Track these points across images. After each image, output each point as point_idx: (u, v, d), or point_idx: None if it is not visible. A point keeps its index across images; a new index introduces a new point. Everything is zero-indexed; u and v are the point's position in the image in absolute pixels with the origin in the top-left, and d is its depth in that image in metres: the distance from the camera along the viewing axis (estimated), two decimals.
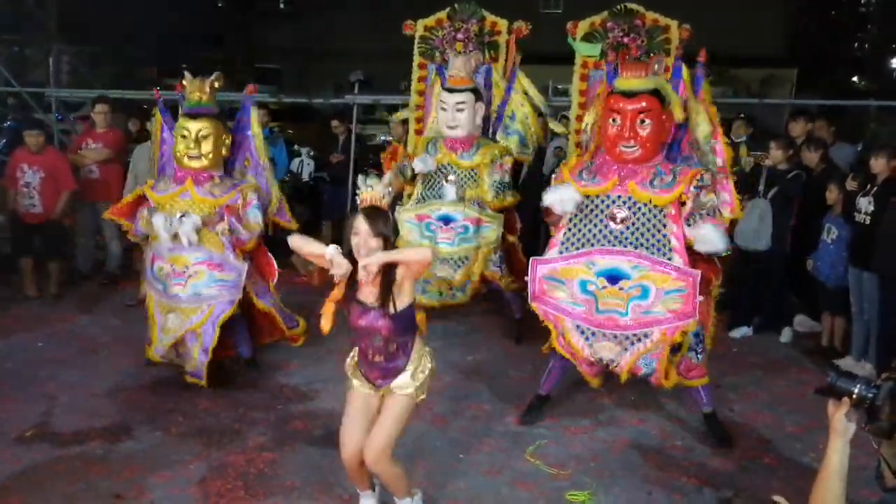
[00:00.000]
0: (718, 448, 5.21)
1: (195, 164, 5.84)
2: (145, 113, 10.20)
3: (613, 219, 5.05)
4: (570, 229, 5.21)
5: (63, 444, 5.06)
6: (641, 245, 4.98)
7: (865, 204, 6.49)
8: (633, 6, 8.17)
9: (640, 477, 4.83)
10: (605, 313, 5.03)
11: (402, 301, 3.75)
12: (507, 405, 5.84)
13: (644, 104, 4.98)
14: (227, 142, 6.02)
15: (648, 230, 4.98)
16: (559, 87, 9.98)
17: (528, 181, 7.96)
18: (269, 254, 6.41)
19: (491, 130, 7.43)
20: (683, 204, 4.93)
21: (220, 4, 27.61)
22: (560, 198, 5.07)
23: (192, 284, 5.73)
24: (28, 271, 8.21)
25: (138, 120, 10.28)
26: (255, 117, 6.36)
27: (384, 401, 3.92)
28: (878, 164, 6.48)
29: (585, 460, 5.02)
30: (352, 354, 4.02)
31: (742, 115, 9.30)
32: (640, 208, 5.00)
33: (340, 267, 3.68)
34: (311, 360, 6.48)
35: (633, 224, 5.00)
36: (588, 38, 8.29)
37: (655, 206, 4.97)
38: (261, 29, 26.45)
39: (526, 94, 7.73)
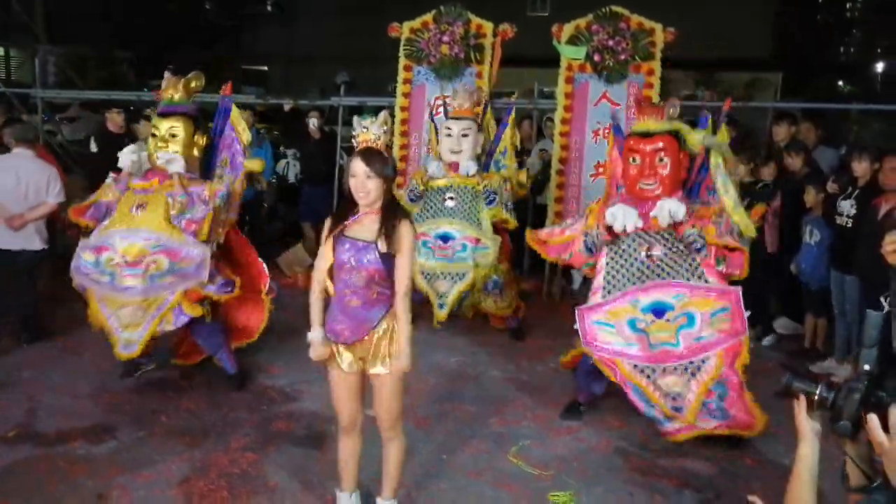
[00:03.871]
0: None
1: (164, 164, 5.77)
2: (132, 115, 10.18)
3: (646, 253, 5.17)
4: (608, 272, 5.30)
5: (46, 444, 5.04)
6: (677, 273, 5.10)
7: (847, 207, 6.53)
8: (619, 9, 8.26)
9: (622, 478, 4.86)
10: (659, 347, 5.05)
11: (398, 245, 3.67)
12: (491, 407, 5.86)
13: (661, 144, 5.19)
14: (201, 143, 5.94)
15: (679, 258, 5.12)
16: (545, 89, 10.01)
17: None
18: (261, 261, 6.35)
19: (482, 166, 7.47)
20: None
21: (207, 7, 27.60)
22: (623, 212, 5.13)
23: (151, 276, 5.52)
24: None
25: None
26: (235, 113, 6.20)
27: (373, 382, 3.86)
28: (861, 167, 6.52)
29: (568, 461, 5.04)
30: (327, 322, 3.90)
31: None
32: (668, 239, 5.15)
33: (317, 354, 3.81)
34: (294, 361, 6.46)
35: (666, 255, 5.14)
36: (573, 40, 8.41)
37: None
38: (248, 32, 26.46)
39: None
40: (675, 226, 5.12)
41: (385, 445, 4.05)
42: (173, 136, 5.76)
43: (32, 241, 6.84)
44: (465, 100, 7.36)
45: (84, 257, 5.62)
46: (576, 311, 5.34)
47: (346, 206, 3.78)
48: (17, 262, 6.84)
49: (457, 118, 7.28)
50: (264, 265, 6.37)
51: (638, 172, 5.25)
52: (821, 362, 6.81)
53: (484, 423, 5.58)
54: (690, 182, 5.48)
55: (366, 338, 3.78)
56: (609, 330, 5.18)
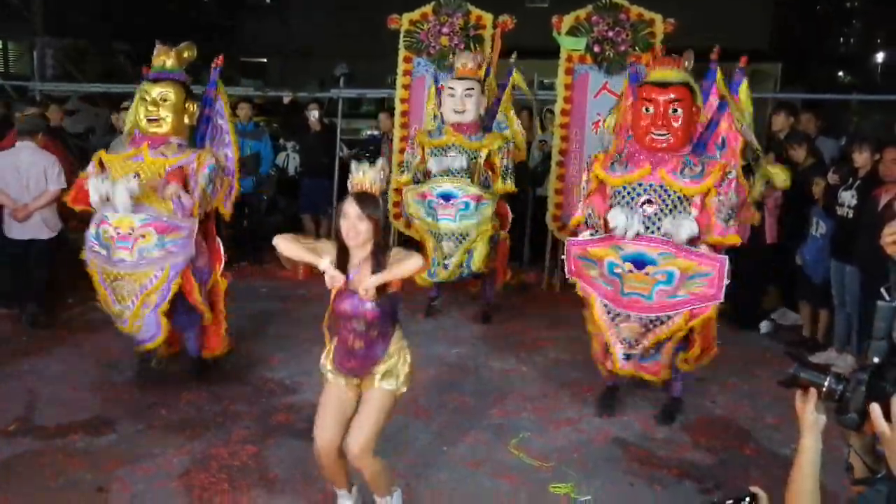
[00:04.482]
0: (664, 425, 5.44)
1: (154, 127, 5.70)
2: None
3: (643, 206, 5.12)
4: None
5: (45, 437, 5.04)
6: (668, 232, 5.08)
7: (848, 197, 6.52)
8: (618, 0, 8.24)
9: (622, 469, 4.86)
10: (630, 296, 5.13)
11: (390, 287, 3.72)
12: (491, 398, 5.86)
13: (677, 95, 5.12)
14: (192, 109, 5.87)
15: (675, 218, 5.07)
16: (544, 80, 10.00)
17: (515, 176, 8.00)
18: (218, 239, 6.22)
19: (485, 128, 7.51)
20: (708, 194, 5.07)
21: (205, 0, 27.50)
22: (626, 218, 5.05)
23: (140, 248, 5.49)
24: None
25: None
26: (221, 88, 6.20)
27: (364, 394, 3.86)
28: (861, 158, 6.51)
29: (568, 452, 5.03)
30: (326, 352, 3.95)
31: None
32: (669, 196, 5.09)
33: (335, 280, 3.66)
34: (294, 353, 6.47)
35: (662, 211, 5.08)
36: (573, 31, 8.40)
37: (683, 196, 5.07)
38: (246, 25, 26.39)
39: (514, 88, 7.98)
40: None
41: (360, 473, 3.97)
42: (164, 100, 5.69)
43: (41, 230, 7.05)
44: (469, 60, 7.39)
45: (90, 230, 5.65)
46: (565, 243, 5.50)
47: (339, 250, 3.76)
48: (28, 251, 7.05)
49: (460, 78, 7.32)
50: (222, 247, 6.23)
51: (650, 122, 5.14)
52: (820, 353, 6.81)
53: (484, 415, 5.58)
54: (697, 137, 5.38)
55: (374, 369, 3.83)
56: (591, 265, 5.28)
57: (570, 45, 8.41)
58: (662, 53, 5.71)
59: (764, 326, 7.64)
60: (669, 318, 5.09)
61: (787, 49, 22.21)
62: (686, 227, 4.97)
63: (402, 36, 8.88)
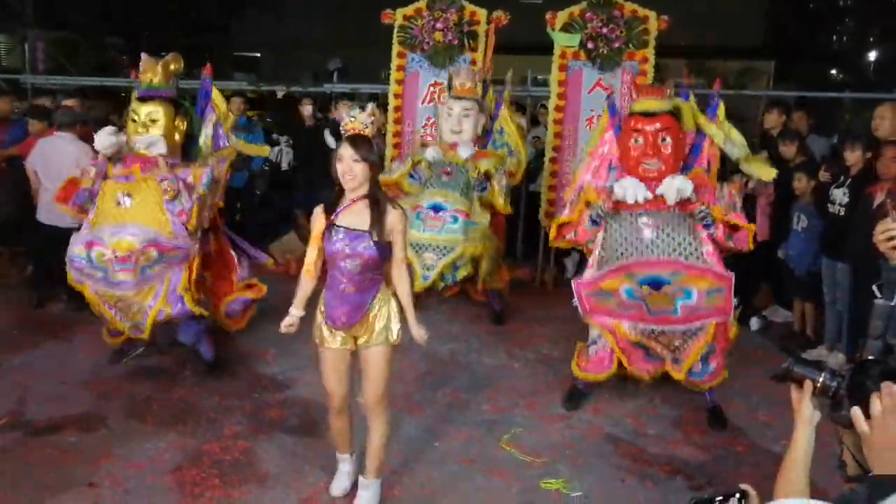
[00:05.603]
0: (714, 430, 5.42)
1: (145, 149, 5.67)
2: (123, 101, 10.11)
3: (645, 229, 5.12)
4: (604, 246, 5.27)
5: (36, 432, 5.03)
6: (674, 251, 5.06)
7: (840, 195, 6.53)
8: None
9: (614, 465, 4.87)
10: (657, 314, 5.13)
11: (386, 231, 3.86)
12: (483, 394, 5.87)
13: (664, 123, 5.17)
14: (182, 127, 5.83)
15: (681, 236, 5.08)
16: (538, 77, 9.98)
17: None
18: (233, 254, 6.32)
19: (481, 145, 7.48)
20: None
21: None
22: (633, 185, 5.07)
23: (142, 268, 5.45)
24: (7, 258, 8.23)
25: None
26: (216, 95, 6.17)
27: (363, 356, 4.03)
28: (853, 156, 6.52)
29: (560, 448, 5.05)
30: (318, 309, 4.07)
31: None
32: (669, 217, 5.10)
33: (289, 325, 4.11)
34: (287, 349, 6.44)
35: (667, 234, 5.08)
36: (567, 28, 8.40)
37: (682, 214, 5.09)
38: (240, 19, 26.36)
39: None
40: (682, 205, 5.05)
41: (370, 425, 4.15)
42: (154, 121, 5.65)
43: (64, 218, 7.06)
44: (468, 79, 7.34)
45: (76, 251, 5.52)
46: (572, 283, 5.39)
47: (336, 196, 3.90)
48: (50, 235, 7.24)
49: (458, 98, 7.27)
50: (236, 258, 6.32)
51: (641, 152, 5.17)
52: (811, 350, 6.83)
53: (476, 411, 5.59)
54: (683, 161, 5.40)
55: (361, 320, 3.96)
56: (607, 298, 5.23)
57: (563, 42, 8.41)
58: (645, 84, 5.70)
59: (754, 323, 7.66)
60: (700, 328, 5.16)
61: (781, 46, 22.23)
62: (674, 185, 4.99)
63: (395, 31, 8.86)
